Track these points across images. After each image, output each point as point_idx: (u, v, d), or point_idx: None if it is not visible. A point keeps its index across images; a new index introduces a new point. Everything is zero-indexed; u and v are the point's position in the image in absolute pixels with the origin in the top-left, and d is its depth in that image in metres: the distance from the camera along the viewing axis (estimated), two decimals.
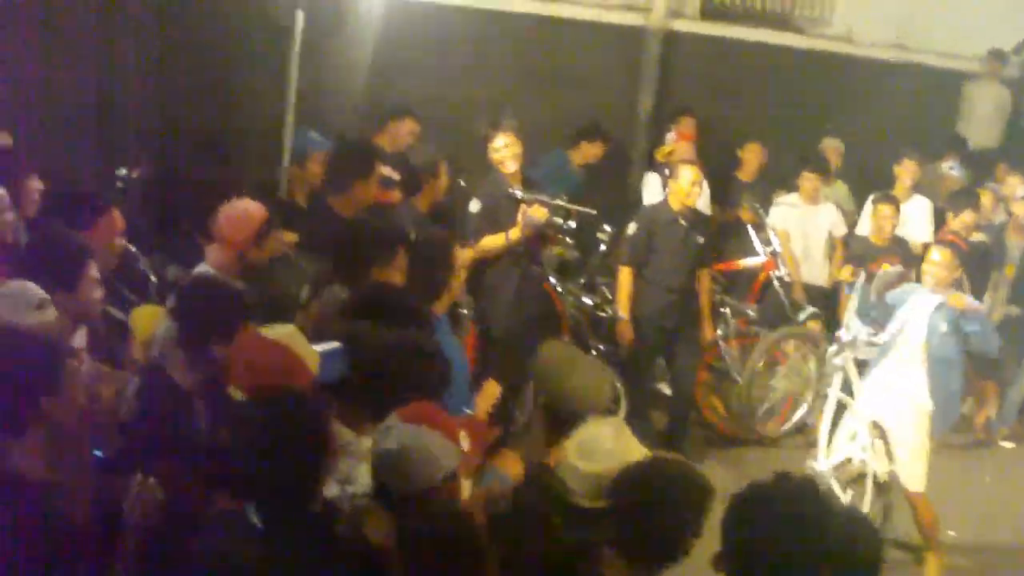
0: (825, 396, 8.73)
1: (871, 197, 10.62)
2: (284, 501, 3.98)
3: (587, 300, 9.82)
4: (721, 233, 10.82)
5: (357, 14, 10.51)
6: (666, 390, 9.78)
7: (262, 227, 6.35)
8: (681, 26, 12.33)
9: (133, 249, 6.94)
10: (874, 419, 8.11)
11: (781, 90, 12.56)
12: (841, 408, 8.49)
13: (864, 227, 10.69)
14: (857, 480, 8.20)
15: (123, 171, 8.77)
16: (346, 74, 10.48)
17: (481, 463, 4.85)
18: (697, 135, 11.24)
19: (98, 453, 4.83)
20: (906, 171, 11.04)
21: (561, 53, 11.78)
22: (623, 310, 9.23)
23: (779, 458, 9.38)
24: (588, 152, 11.04)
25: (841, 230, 10.91)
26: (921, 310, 7.95)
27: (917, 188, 11.16)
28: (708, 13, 12.62)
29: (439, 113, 10.23)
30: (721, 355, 10.03)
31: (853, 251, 10.56)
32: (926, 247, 8.99)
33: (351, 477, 4.48)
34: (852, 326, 8.54)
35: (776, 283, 10.33)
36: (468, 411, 5.61)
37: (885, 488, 8.08)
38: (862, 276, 8.77)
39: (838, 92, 12.66)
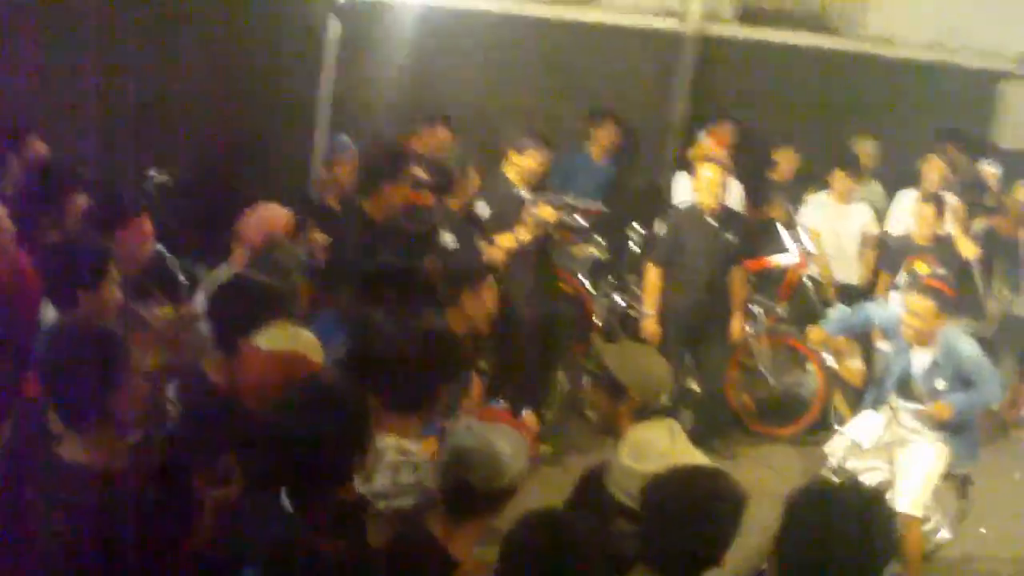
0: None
1: (902, 193, 10.64)
2: (317, 486, 4.00)
3: (618, 299, 9.91)
4: (753, 232, 10.86)
5: (392, 22, 10.65)
6: (696, 387, 9.83)
7: (286, 230, 6.50)
8: (717, 30, 12.36)
9: (163, 250, 7.08)
10: (887, 442, 7.97)
11: (817, 91, 12.55)
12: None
13: (896, 225, 10.70)
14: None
15: (155, 174, 8.97)
16: (381, 81, 10.59)
17: None
18: (733, 140, 11.31)
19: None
20: (932, 168, 11.05)
21: (596, 59, 11.85)
22: (650, 307, 9.30)
23: (810, 456, 9.39)
24: (602, 138, 11.18)
25: (874, 229, 10.90)
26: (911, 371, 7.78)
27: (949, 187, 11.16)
28: (744, 16, 12.64)
29: (473, 119, 10.35)
30: (751, 353, 10.08)
31: (892, 249, 10.51)
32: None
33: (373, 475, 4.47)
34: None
35: (807, 282, 10.38)
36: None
37: None
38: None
39: (874, 93, 12.63)
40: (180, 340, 5.45)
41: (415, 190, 8.15)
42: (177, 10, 9.49)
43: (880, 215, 11.11)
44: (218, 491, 4.23)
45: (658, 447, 4.59)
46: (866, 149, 11.85)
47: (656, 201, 11.25)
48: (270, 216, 6.61)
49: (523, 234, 8.50)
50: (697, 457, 4.68)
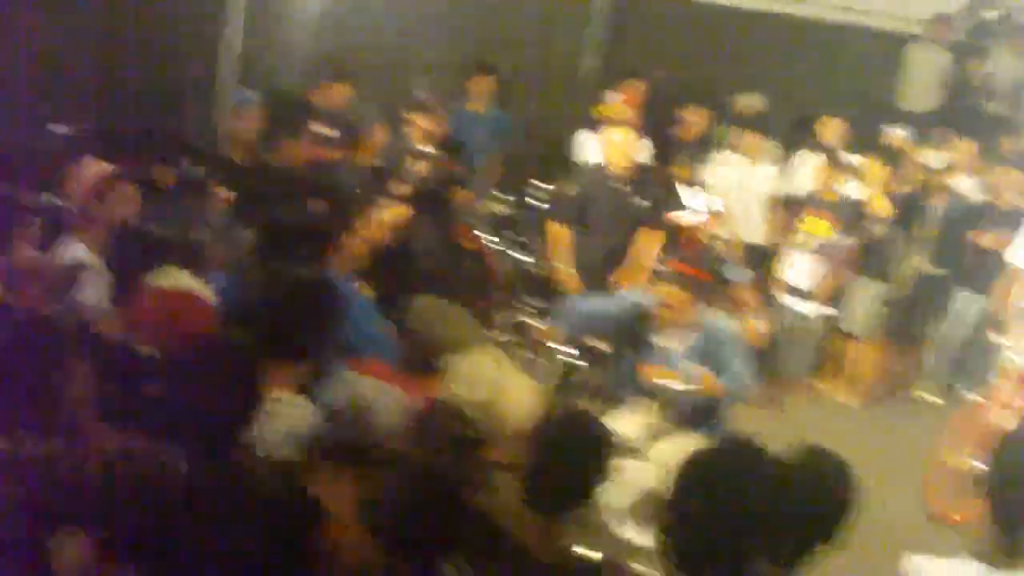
0: None
1: (800, 152, 10.84)
2: (209, 442, 4.02)
3: (521, 256, 9.92)
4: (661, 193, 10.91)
5: None
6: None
7: (100, 183, 6.43)
8: None
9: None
10: None
11: (726, 50, 12.64)
12: None
13: (795, 183, 10.91)
14: None
15: (62, 128, 8.86)
16: (285, 35, 10.50)
17: None
18: (643, 98, 11.34)
19: None
20: (830, 129, 11.22)
21: (509, 14, 11.84)
22: (562, 260, 9.24)
23: None
24: (479, 90, 11.12)
25: (780, 189, 10.99)
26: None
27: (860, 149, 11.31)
28: None
29: (378, 72, 10.30)
30: None
31: (792, 202, 10.68)
32: None
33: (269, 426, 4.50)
34: None
35: (713, 241, 10.46)
36: None
37: None
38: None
39: (783, 52, 12.76)
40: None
41: (320, 145, 8.15)
42: None
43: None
44: None
45: (487, 375, 4.77)
46: (749, 106, 11.95)
47: (559, 158, 11.23)
48: (92, 170, 6.54)
49: (399, 189, 8.44)
50: (524, 381, 4.93)
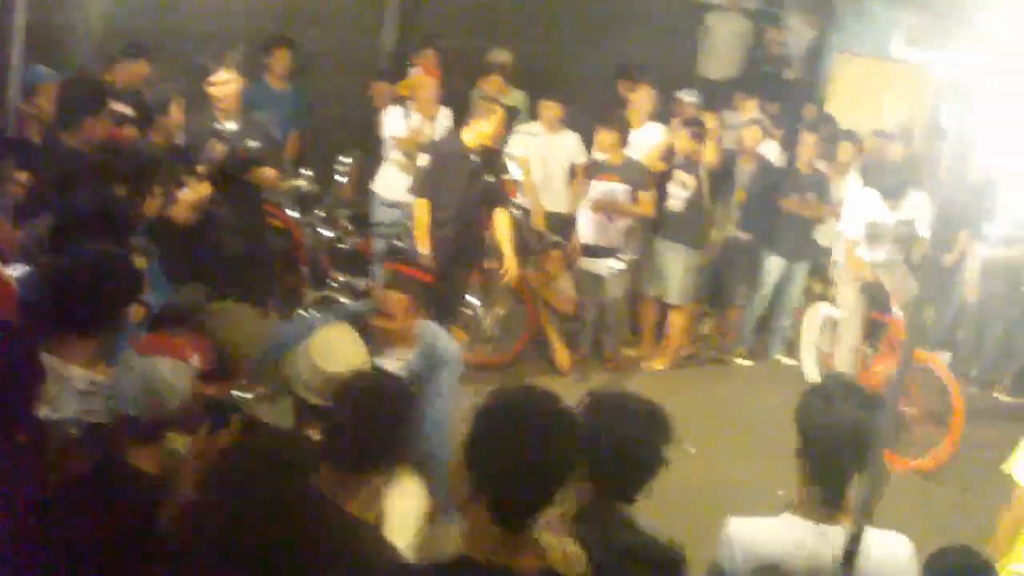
0: None
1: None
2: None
3: (327, 232, 9.88)
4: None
5: None
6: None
7: None
8: None
9: None
10: None
11: (525, 18, 12.74)
12: None
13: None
14: None
15: None
16: (79, 8, 10.21)
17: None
18: (441, 68, 11.36)
19: None
20: (641, 96, 11.40)
21: None
22: (423, 245, 9.02)
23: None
24: (275, 65, 11.01)
25: (581, 158, 11.09)
26: None
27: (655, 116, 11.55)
28: None
29: (177, 48, 10.10)
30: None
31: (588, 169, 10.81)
32: None
33: (59, 403, 4.51)
34: None
35: (517, 211, 10.55)
36: None
37: None
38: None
39: (586, 21, 12.92)
40: None
41: (117, 124, 7.98)
42: None
43: None
44: None
45: (343, 350, 5.00)
46: (501, 60, 12.14)
47: (366, 133, 11.18)
48: None
49: (204, 167, 8.22)
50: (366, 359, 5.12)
